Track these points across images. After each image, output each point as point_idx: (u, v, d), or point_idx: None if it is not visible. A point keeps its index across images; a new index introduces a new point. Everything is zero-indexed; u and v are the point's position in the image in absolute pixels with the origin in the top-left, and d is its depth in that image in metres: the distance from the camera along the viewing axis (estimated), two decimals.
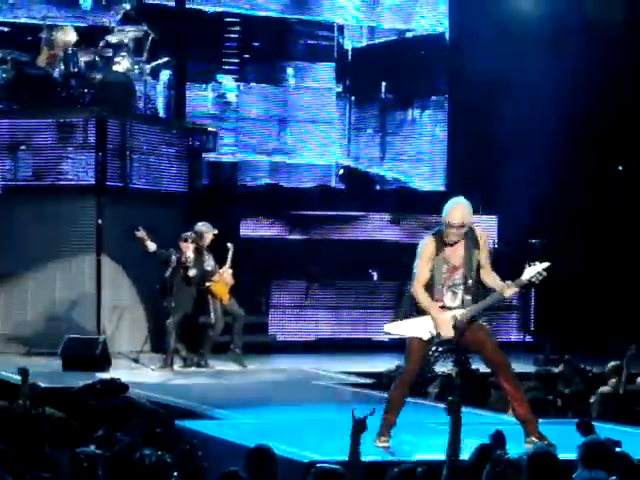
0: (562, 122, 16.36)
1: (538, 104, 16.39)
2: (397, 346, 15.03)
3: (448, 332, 7.88)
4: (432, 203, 16.98)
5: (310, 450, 7.73)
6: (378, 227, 16.66)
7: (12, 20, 15.07)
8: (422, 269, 7.93)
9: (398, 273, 15.99)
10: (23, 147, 13.72)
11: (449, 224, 7.89)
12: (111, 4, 15.91)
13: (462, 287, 7.95)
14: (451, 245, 7.93)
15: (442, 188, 17.67)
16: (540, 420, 8.14)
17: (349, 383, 12.14)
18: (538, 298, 15.88)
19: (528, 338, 15.79)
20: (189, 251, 13.01)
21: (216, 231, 13.19)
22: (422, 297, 7.92)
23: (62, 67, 14.13)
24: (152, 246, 12.79)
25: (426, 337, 7.93)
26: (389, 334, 8.28)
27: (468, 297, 7.95)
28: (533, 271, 7.95)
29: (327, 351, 15.29)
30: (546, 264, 7.97)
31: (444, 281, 7.94)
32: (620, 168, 17.09)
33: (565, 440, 7.58)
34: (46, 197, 13.77)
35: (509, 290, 7.94)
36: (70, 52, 14.14)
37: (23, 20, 15.28)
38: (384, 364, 12.80)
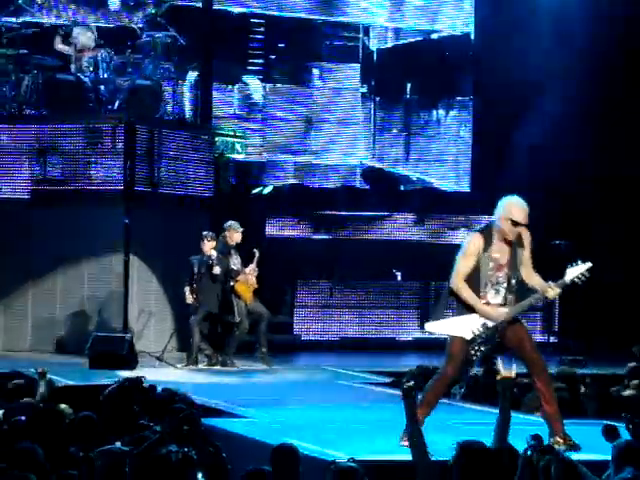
0: (589, 122, 16.34)
1: (565, 104, 16.37)
2: (421, 346, 15.14)
3: (500, 316, 7.81)
4: (456, 203, 17.09)
5: (333, 449, 7.78)
6: (402, 227, 16.69)
7: (41, 20, 15.13)
8: (465, 265, 7.87)
9: (422, 273, 16.06)
10: (50, 152, 13.80)
11: (514, 222, 7.83)
12: (139, 6, 16.01)
13: (505, 285, 7.92)
14: (498, 243, 7.91)
15: (466, 188, 17.68)
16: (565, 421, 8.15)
17: (373, 383, 12.18)
18: (563, 299, 15.86)
19: (552, 339, 15.78)
20: (208, 248, 13.10)
21: (242, 229, 13.28)
22: (465, 291, 7.84)
23: (91, 72, 14.21)
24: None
25: (469, 336, 7.87)
26: (430, 332, 8.21)
27: (511, 296, 7.94)
28: (576, 272, 7.91)
29: (351, 351, 15.33)
30: (589, 264, 7.93)
31: (488, 279, 7.92)
32: None
33: (590, 441, 7.61)
34: (74, 202, 13.85)
35: (552, 291, 7.91)
36: (99, 57, 14.22)
37: (52, 19, 15.34)
38: (408, 364, 12.84)
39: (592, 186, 16.49)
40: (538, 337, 16.04)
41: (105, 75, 14.26)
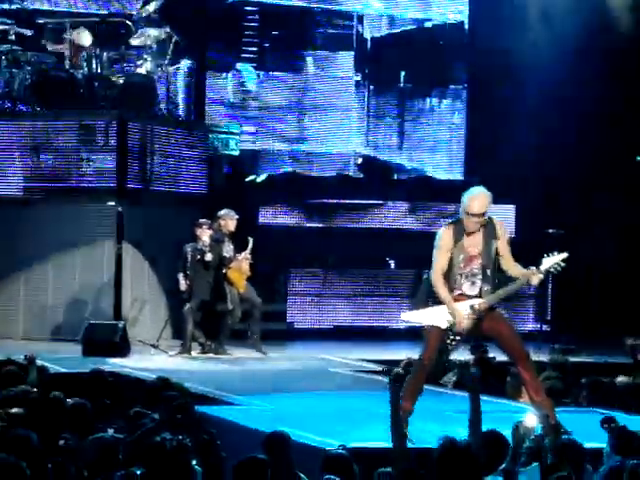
0: (582, 112, 16.35)
1: (558, 94, 16.39)
2: (413, 334, 15.17)
3: (462, 326, 7.91)
4: (450, 192, 17.10)
5: (327, 436, 7.81)
6: (396, 216, 16.70)
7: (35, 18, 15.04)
8: (440, 258, 7.96)
9: (415, 262, 16.08)
10: (43, 149, 13.78)
11: (469, 213, 7.91)
12: None
13: (480, 276, 7.97)
14: (469, 235, 7.96)
15: (460, 177, 17.70)
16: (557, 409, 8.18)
17: (366, 370, 12.21)
18: (555, 287, 15.91)
19: (545, 327, 15.82)
20: (205, 236, 13.12)
21: (237, 216, 13.30)
22: (440, 288, 7.95)
23: (85, 68, 14.19)
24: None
25: (444, 326, 7.95)
26: (407, 322, 8.33)
27: (486, 287, 7.98)
28: (551, 261, 7.96)
29: (344, 339, 15.36)
30: (564, 255, 7.97)
31: (462, 270, 7.96)
32: (639, 159, 17.07)
33: (581, 428, 7.64)
34: (67, 198, 13.84)
35: (535, 277, 7.93)
36: (93, 53, 14.20)
37: (47, 8, 15.27)
38: (400, 352, 12.86)
39: (588, 174, 16.51)
40: (530, 326, 16.11)
41: (99, 71, 14.23)
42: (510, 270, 8.05)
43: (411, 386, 8.06)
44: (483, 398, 6.86)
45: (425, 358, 8.10)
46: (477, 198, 7.94)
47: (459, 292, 7.98)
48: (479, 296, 7.99)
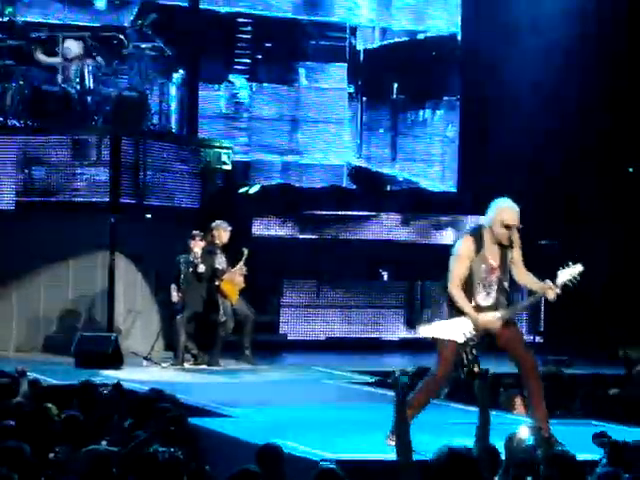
0: (576, 123, 16.38)
1: (551, 106, 16.42)
2: (407, 346, 15.17)
3: (495, 324, 7.80)
4: (443, 203, 17.12)
5: (320, 448, 7.79)
6: (389, 227, 16.71)
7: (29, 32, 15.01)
8: (460, 269, 7.86)
9: (408, 273, 16.09)
10: (35, 164, 13.78)
11: (506, 225, 7.83)
12: (125, 5, 16.00)
13: (496, 287, 7.94)
14: (490, 246, 7.90)
15: (453, 189, 17.72)
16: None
17: (359, 382, 12.20)
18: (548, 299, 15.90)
19: (538, 339, 15.82)
20: (197, 247, 13.12)
21: (230, 228, 13.30)
22: (459, 297, 7.84)
23: (77, 82, 14.18)
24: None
25: (461, 340, 7.87)
26: (425, 336, 8.19)
27: (502, 298, 7.95)
28: (567, 274, 7.92)
29: (337, 350, 15.35)
30: (579, 267, 7.94)
31: (481, 281, 7.91)
32: (631, 170, 17.10)
33: (575, 440, 7.64)
34: (60, 213, 13.83)
35: (552, 292, 7.88)
36: (85, 67, 14.19)
37: (38, 19, 15.25)
38: (393, 363, 12.86)
39: (581, 186, 16.53)
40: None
41: (91, 86, 14.23)
42: (523, 281, 8.01)
43: (420, 398, 7.93)
44: (471, 408, 6.84)
45: (440, 372, 8.00)
46: (512, 210, 7.91)
47: (473, 304, 7.89)
48: (494, 307, 7.94)
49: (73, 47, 14.34)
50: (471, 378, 7.52)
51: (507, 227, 7.87)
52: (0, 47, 14.20)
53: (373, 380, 12.09)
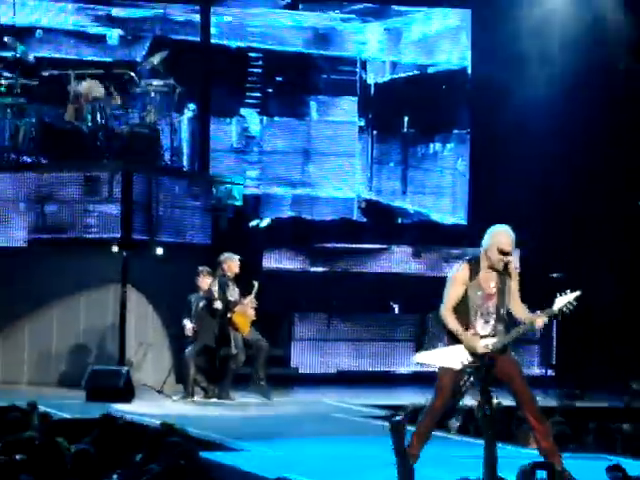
0: (585, 157, 16.40)
1: (561, 139, 16.44)
2: (419, 379, 15.13)
3: (482, 348, 7.79)
4: (453, 236, 17.13)
5: None
6: (399, 260, 16.72)
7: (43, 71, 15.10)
8: (453, 293, 7.85)
9: (419, 306, 16.08)
10: (48, 201, 13.84)
11: (500, 250, 7.83)
12: (137, 40, 16.12)
13: (494, 315, 7.92)
14: (486, 272, 7.92)
15: (464, 221, 17.73)
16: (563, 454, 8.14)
17: (370, 416, 12.16)
18: (560, 331, 15.88)
19: (550, 372, 15.77)
20: (204, 284, 13.15)
21: (238, 257, 13.31)
22: (451, 321, 7.83)
23: (89, 119, 14.26)
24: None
25: (458, 367, 7.85)
26: (419, 364, 8.19)
27: (500, 326, 7.93)
28: (564, 300, 7.91)
29: (348, 383, 15.31)
30: (577, 293, 7.93)
31: (477, 308, 7.92)
32: None
33: (588, 474, 7.60)
34: (71, 250, 13.88)
35: (540, 320, 7.91)
36: (97, 104, 14.28)
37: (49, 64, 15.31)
38: (405, 397, 12.82)
39: (590, 219, 16.53)
40: (535, 370, 16.05)
41: (103, 122, 14.31)
42: (516, 311, 8.01)
43: (421, 430, 7.90)
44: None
45: (437, 402, 7.96)
46: (507, 235, 7.91)
47: (472, 331, 7.90)
48: (492, 336, 7.93)
49: (86, 85, 14.42)
50: (479, 412, 7.49)
51: (502, 252, 7.87)
52: (12, 85, 14.29)
53: (385, 414, 12.05)
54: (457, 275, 7.90)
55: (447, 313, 7.87)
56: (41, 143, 14.15)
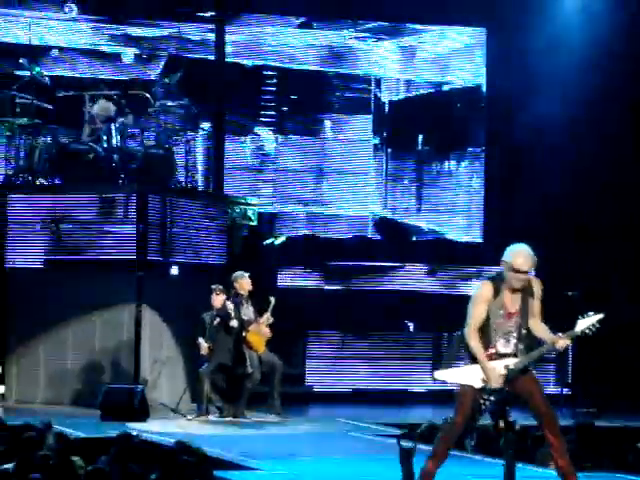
0: (601, 173, 16.36)
1: (577, 156, 16.41)
2: (434, 397, 15.08)
3: (496, 381, 7.81)
4: (468, 254, 17.10)
5: None
6: (414, 278, 16.69)
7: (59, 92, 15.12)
8: (477, 313, 7.83)
9: (434, 324, 16.04)
10: (63, 222, 13.88)
11: (517, 270, 7.82)
12: (152, 59, 16.17)
13: (516, 334, 7.89)
14: (509, 292, 7.90)
15: (479, 239, 17.70)
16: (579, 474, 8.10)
17: (386, 435, 12.12)
18: (576, 350, 15.81)
19: (566, 390, 15.70)
20: (217, 302, 13.15)
21: (248, 274, 13.30)
22: (474, 343, 7.81)
23: (104, 140, 14.30)
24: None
25: (478, 385, 7.82)
26: (440, 381, 8.15)
27: (521, 345, 7.90)
28: (587, 322, 7.88)
29: (364, 402, 15.28)
30: (600, 316, 7.90)
31: (498, 327, 7.89)
32: None
33: None
34: (88, 270, 13.90)
35: (561, 342, 7.88)
36: (113, 125, 14.32)
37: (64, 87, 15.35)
38: (420, 415, 12.77)
39: (608, 235, 16.48)
40: (551, 389, 15.98)
41: (118, 144, 14.35)
42: (537, 330, 7.98)
43: (439, 449, 7.87)
44: (500, 461, 6.77)
45: (458, 420, 7.92)
46: (525, 255, 7.88)
47: (493, 350, 7.88)
48: (514, 355, 7.90)
49: (101, 107, 14.45)
50: (497, 431, 7.46)
51: (517, 272, 7.85)
52: (27, 106, 14.34)
53: (400, 432, 12.00)
54: (479, 294, 7.88)
55: (472, 334, 7.84)
56: (56, 164, 14.19)
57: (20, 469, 7.47)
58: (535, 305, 7.95)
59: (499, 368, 7.81)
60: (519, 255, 7.86)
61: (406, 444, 6.68)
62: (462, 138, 17.98)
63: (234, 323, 13.06)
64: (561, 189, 16.55)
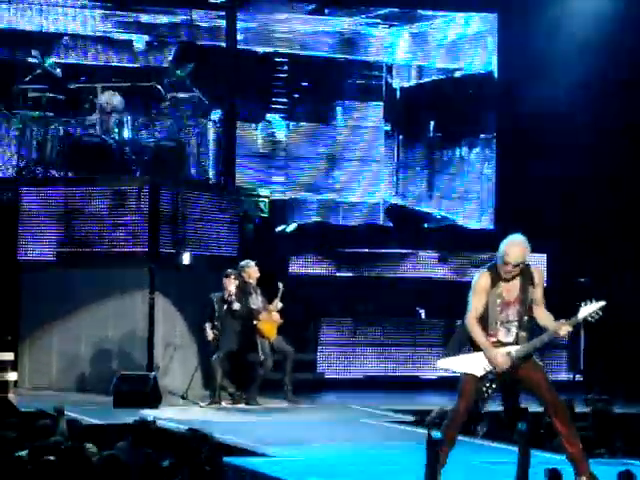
0: (612, 161, 16.32)
1: (588, 143, 16.37)
2: (445, 384, 15.09)
3: (503, 364, 7.84)
4: (480, 241, 17.09)
5: None
6: (426, 265, 16.69)
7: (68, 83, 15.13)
8: (477, 302, 7.87)
9: (446, 311, 16.04)
10: (76, 215, 13.91)
11: (505, 261, 7.89)
12: (163, 47, 16.17)
13: (516, 323, 7.91)
14: (506, 280, 7.91)
15: (490, 226, 17.68)
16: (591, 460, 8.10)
17: (397, 421, 12.14)
18: (587, 337, 15.80)
19: (578, 377, 15.70)
20: (231, 286, 13.16)
21: (254, 262, 13.31)
22: (476, 331, 7.86)
23: (116, 133, 14.31)
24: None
25: (480, 373, 7.86)
26: (442, 369, 8.20)
27: (523, 334, 7.91)
28: (589, 310, 7.91)
29: (375, 388, 15.30)
30: (602, 303, 7.92)
31: (498, 316, 7.91)
32: None
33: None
34: (100, 263, 13.92)
35: (564, 328, 7.91)
36: (124, 118, 14.32)
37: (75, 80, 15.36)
38: (431, 402, 12.78)
39: (617, 223, 16.44)
40: (563, 375, 15.98)
41: (130, 136, 14.35)
42: (540, 318, 8.00)
43: (446, 437, 7.93)
44: (511, 447, 6.78)
45: (461, 407, 7.96)
46: (515, 247, 7.89)
47: (494, 339, 7.91)
48: (515, 343, 7.92)
49: (113, 99, 14.46)
50: (509, 418, 7.49)
51: (505, 263, 7.84)
52: (39, 98, 14.35)
53: (412, 419, 12.03)
54: (477, 284, 7.91)
55: (472, 322, 7.87)
56: (68, 156, 14.21)
57: (33, 456, 7.51)
58: (537, 293, 7.96)
59: (502, 352, 7.83)
60: (510, 246, 7.87)
61: (436, 434, 6.73)
62: (474, 125, 17.95)
63: (236, 306, 13.08)
64: (572, 176, 16.51)
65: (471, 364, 7.90)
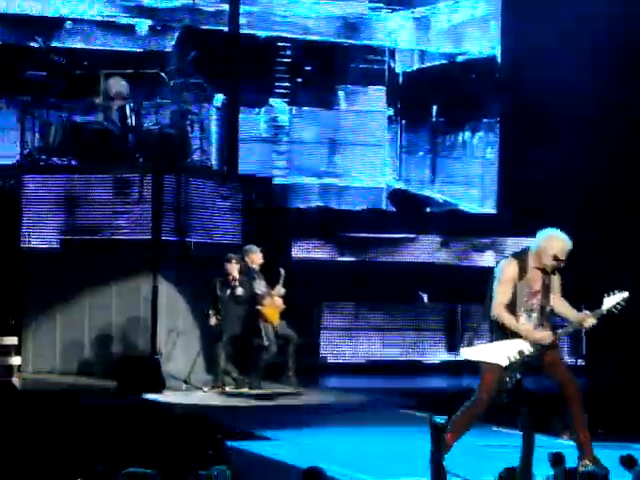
0: (617, 147, 16.30)
1: (592, 128, 16.35)
2: (448, 368, 15.12)
3: (548, 338, 7.84)
4: (483, 225, 17.08)
5: (362, 472, 7.78)
6: (428, 249, 16.69)
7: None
8: (504, 291, 7.89)
9: (448, 295, 16.05)
10: (78, 202, 13.91)
11: (556, 258, 7.89)
12: (167, 30, 16.14)
13: (538, 313, 7.95)
14: (534, 270, 7.92)
15: (493, 210, 17.67)
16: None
17: (399, 405, 12.17)
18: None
19: (580, 361, 15.72)
20: (234, 271, 13.17)
21: (259, 248, 13.31)
22: (507, 318, 7.87)
23: (119, 120, 14.30)
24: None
25: (505, 363, 7.88)
26: (466, 359, 8.18)
27: (543, 321, 7.96)
28: (613, 301, 7.95)
29: (378, 373, 15.32)
30: (625, 294, 7.97)
31: (523, 304, 7.93)
32: None
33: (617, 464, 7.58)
34: (103, 250, 13.93)
35: (589, 321, 7.95)
36: (127, 104, 14.31)
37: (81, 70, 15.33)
38: (435, 386, 12.81)
39: (620, 210, 16.43)
40: (565, 360, 15.99)
41: (133, 123, 14.33)
42: (560, 309, 8.04)
43: (462, 422, 7.92)
44: (515, 431, 6.81)
45: (483, 397, 7.96)
46: (559, 242, 7.93)
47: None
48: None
49: (115, 86, 14.45)
50: (516, 402, 7.50)
51: (556, 259, 7.89)
52: (43, 84, 14.34)
53: (414, 403, 12.06)
54: (506, 274, 7.92)
55: (501, 311, 7.89)
56: (71, 143, 14.19)
57: None
58: (555, 281, 8.00)
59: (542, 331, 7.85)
60: (562, 243, 7.91)
61: (439, 420, 6.75)
62: (476, 109, 17.93)
63: (239, 291, 13.09)
64: (576, 161, 16.50)
65: (496, 354, 7.89)
